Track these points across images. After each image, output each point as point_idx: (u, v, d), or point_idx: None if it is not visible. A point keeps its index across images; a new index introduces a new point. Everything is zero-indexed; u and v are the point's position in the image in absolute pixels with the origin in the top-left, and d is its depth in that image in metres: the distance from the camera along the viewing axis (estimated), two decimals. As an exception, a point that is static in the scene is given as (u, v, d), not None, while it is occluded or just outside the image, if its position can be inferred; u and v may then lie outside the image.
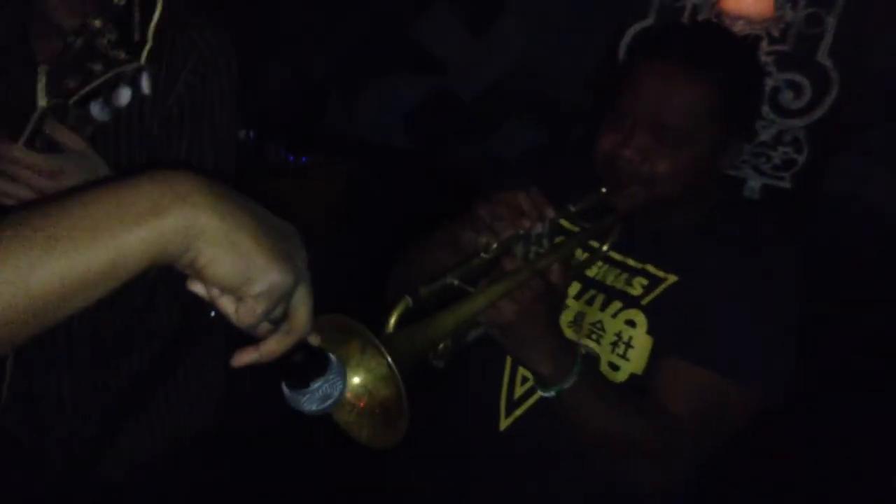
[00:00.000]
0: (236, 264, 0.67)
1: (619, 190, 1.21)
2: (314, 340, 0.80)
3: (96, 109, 0.99)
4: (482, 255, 1.06)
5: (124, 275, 0.63)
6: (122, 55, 0.94)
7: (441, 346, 1.05)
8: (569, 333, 1.25)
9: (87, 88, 0.98)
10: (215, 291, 0.71)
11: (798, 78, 2.79)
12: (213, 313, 0.74)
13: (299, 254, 0.73)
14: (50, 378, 1.40)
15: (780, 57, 2.80)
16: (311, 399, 0.82)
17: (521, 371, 1.30)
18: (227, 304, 0.72)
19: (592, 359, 1.24)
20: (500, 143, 3.36)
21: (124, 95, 0.97)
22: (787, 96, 2.81)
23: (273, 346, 0.76)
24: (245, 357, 0.77)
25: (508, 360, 1.31)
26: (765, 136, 2.86)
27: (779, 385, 1.20)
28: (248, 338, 0.77)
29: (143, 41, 0.93)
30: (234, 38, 1.48)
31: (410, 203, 2.62)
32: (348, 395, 0.89)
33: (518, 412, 1.31)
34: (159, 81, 1.22)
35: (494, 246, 1.06)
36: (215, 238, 0.66)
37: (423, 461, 1.46)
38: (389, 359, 0.85)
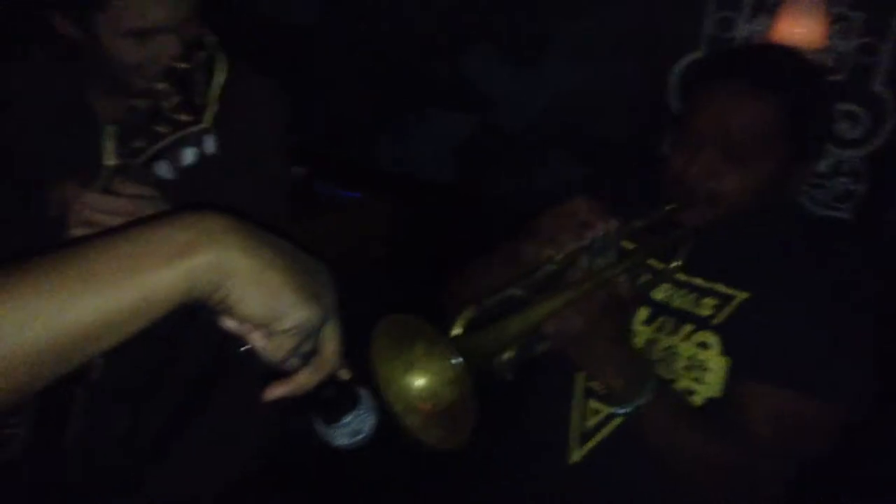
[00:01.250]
0: (266, 302, 0.69)
1: (687, 207, 1.22)
2: (344, 375, 0.82)
3: (162, 169, 1.04)
4: (545, 267, 1.06)
5: (155, 313, 0.65)
6: (186, 118, 0.97)
7: (506, 355, 1.05)
8: None
9: (154, 149, 1.01)
10: (246, 327, 0.73)
11: (853, 108, 2.76)
12: (243, 348, 0.76)
13: (328, 291, 0.75)
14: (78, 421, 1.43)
15: (835, 87, 2.78)
16: (343, 433, 0.84)
17: (593, 403, 1.29)
18: (257, 340, 0.74)
19: (668, 382, 1.23)
20: (546, 176, 3.36)
21: (189, 156, 1.01)
22: (842, 126, 2.79)
23: (303, 380, 0.79)
24: (276, 391, 0.79)
25: (578, 391, 1.31)
26: (822, 166, 2.81)
27: (861, 399, 1.17)
28: (280, 373, 0.79)
29: (206, 104, 0.96)
30: (285, 76, 1.52)
31: (458, 237, 2.63)
32: (413, 398, 0.90)
33: (591, 444, 1.29)
34: (221, 146, 1.26)
35: (558, 258, 1.06)
36: (245, 277, 0.67)
37: (487, 496, 1.46)
38: (459, 357, 0.85)
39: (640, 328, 1.29)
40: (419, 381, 0.91)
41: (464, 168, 3.58)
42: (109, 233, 0.65)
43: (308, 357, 0.77)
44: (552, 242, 1.07)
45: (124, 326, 0.64)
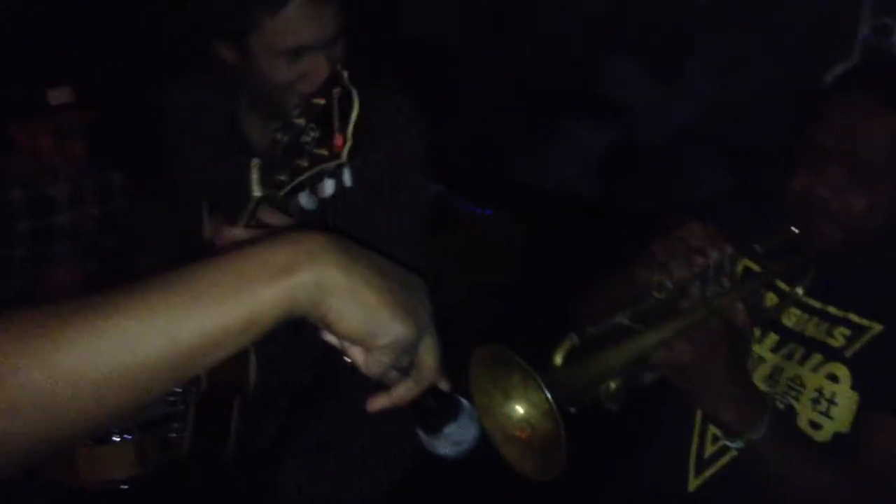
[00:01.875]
0: (362, 319, 0.73)
1: (813, 229, 1.17)
2: (445, 386, 0.85)
3: (304, 200, 1.11)
4: (656, 294, 1.05)
5: (260, 329, 0.70)
6: (325, 152, 1.04)
7: (611, 386, 1.05)
8: (764, 389, 1.21)
9: (295, 182, 1.09)
10: (346, 342, 0.78)
11: None
12: (347, 360, 0.81)
13: (423, 307, 0.79)
14: None
15: None
16: (445, 443, 0.87)
17: (712, 429, 1.27)
18: (357, 355, 0.79)
19: (790, 414, 1.19)
20: (686, 189, 3.29)
21: (328, 187, 1.08)
22: None
23: (402, 393, 0.83)
24: (377, 402, 0.84)
25: (698, 416, 1.29)
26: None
27: None
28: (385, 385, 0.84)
29: (344, 140, 1.03)
30: (423, 93, 1.57)
31: (596, 253, 2.61)
32: (510, 426, 0.92)
33: (708, 472, 1.28)
34: (361, 169, 1.33)
35: (669, 285, 1.05)
36: (343, 294, 0.71)
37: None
38: (547, 393, 0.87)
39: (767, 355, 1.25)
40: (517, 411, 0.93)
41: (602, 182, 3.56)
42: (218, 254, 0.71)
43: (407, 370, 0.81)
44: (663, 269, 1.06)
45: (231, 342, 0.69)
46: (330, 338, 0.80)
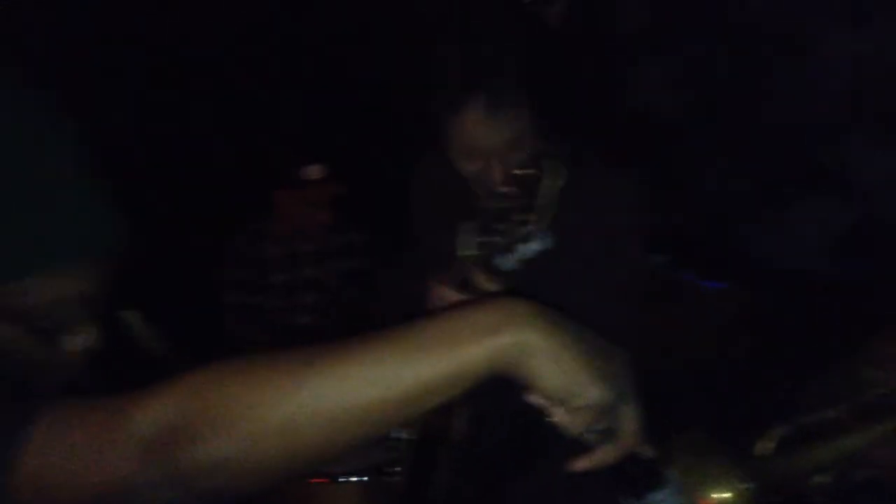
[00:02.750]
0: (561, 380, 0.79)
1: None
2: (647, 453, 0.88)
3: (507, 262, 1.21)
4: (877, 391, 1.02)
5: (466, 382, 0.78)
6: (528, 218, 1.14)
7: (821, 479, 1.02)
8: None
9: (500, 245, 1.19)
10: (546, 402, 0.84)
11: None
12: (548, 419, 0.85)
13: (623, 375, 0.84)
14: None
15: None
16: None
17: None
18: (557, 414, 0.84)
19: None
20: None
21: (530, 250, 1.17)
22: None
23: (602, 455, 0.87)
24: (579, 464, 0.88)
25: None
26: None
27: None
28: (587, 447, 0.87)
29: (545, 207, 1.12)
30: (653, 161, 1.61)
31: (832, 335, 2.48)
32: None
33: None
34: (564, 233, 1.41)
35: (892, 383, 1.02)
36: (543, 356, 0.78)
37: None
38: (751, 482, 0.86)
39: None
40: (725, 496, 0.93)
41: (842, 261, 3.36)
42: (433, 313, 0.82)
43: (607, 434, 0.85)
44: (887, 366, 1.03)
45: (441, 391, 0.78)
46: (533, 398, 0.86)
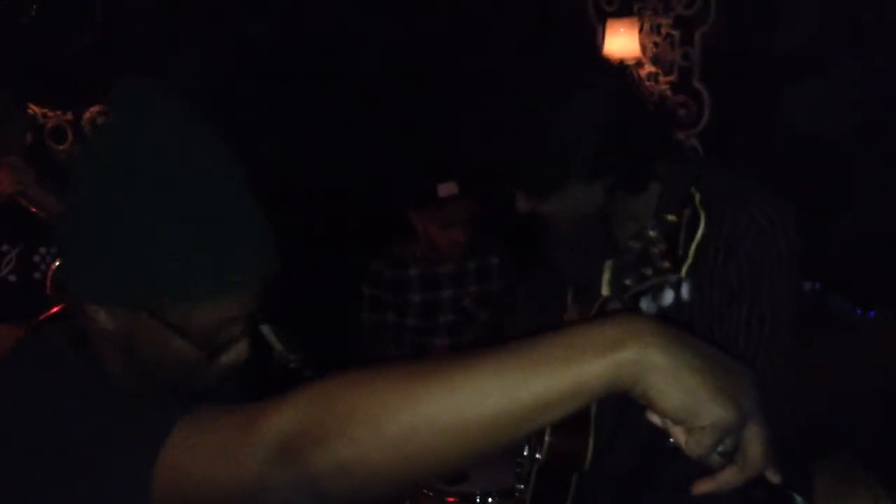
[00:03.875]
0: (682, 398, 0.78)
1: None
2: (773, 478, 0.85)
3: (645, 305, 1.22)
4: None
5: (585, 397, 0.79)
6: (667, 265, 1.15)
7: None
8: None
9: (639, 287, 1.22)
10: (668, 422, 0.83)
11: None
12: (670, 441, 0.84)
13: (747, 395, 0.81)
14: None
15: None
16: None
17: None
18: (679, 435, 0.83)
19: None
20: None
21: (667, 297, 1.18)
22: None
23: (727, 478, 0.85)
24: (702, 486, 0.87)
25: None
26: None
27: None
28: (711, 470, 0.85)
29: (685, 257, 1.13)
30: (807, 193, 1.58)
31: None
32: None
33: None
34: (703, 284, 1.40)
35: None
36: (664, 373, 0.77)
37: None
38: None
39: None
40: None
41: None
42: (561, 329, 0.82)
43: (731, 455, 0.83)
44: None
45: (559, 407, 0.79)
46: (654, 418, 0.84)
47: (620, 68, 1.65)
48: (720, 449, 0.82)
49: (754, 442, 0.83)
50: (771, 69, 3.73)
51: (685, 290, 1.16)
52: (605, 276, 1.30)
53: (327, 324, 3.36)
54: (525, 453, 1.78)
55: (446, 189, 2.99)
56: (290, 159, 3.95)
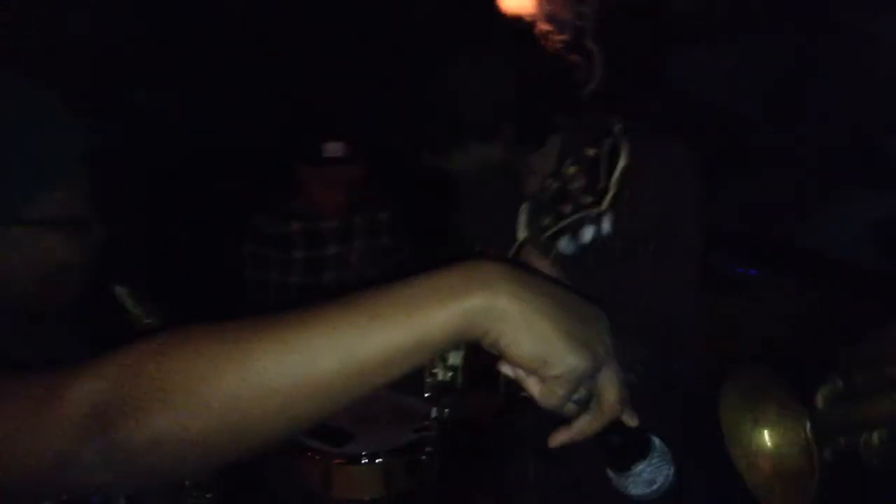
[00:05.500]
0: (534, 346, 0.76)
1: None
2: (630, 421, 0.86)
3: (564, 244, 1.21)
4: None
5: (432, 348, 0.76)
6: (588, 200, 1.15)
7: (874, 437, 1.01)
8: None
9: (558, 226, 1.21)
10: (521, 373, 0.82)
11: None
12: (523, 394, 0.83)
13: (602, 339, 0.81)
14: None
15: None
16: (636, 483, 0.87)
17: None
18: (532, 386, 0.82)
19: None
20: None
21: (587, 234, 1.18)
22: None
23: (582, 427, 0.85)
24: (559, 438, 0.87)
25: None
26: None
27: None
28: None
29: (607, 189, 1.13)
30: (707, 154, 1.63)
31: (870, 322, 2.50)
32: (757, 456, 0.93)
33: None
34: (626, 217, 1.42)
35: None
36: (514, 321, 0.75)
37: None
38: (810, 425, 0.86)
39: None
40: (766, 441, 0.94)
41: (883, 251, 3.37)
42: (402, 279, 0.77)
43: (586, 403, 0.83)
44: None
45: (403, 361, 0.75)
46: (506, 369, 0.83)
47: (516, 24, 1.65)
48: (575, 398, 0.81)
49: (609, 387, 0.83)
50: (665, 32, 3.84)
51: (606, 224, 1.15)
52: (522, 219, 1.29)
53: (208, 285, 3.24)
54: (433, 415, 1.78)
55: (333, 149, 2.96)
56: (174, 110, 3.77)
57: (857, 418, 0.97)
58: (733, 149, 3.78)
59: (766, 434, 0.96)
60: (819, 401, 0.96)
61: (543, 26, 1.78)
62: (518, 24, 1.63)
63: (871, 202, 3.41)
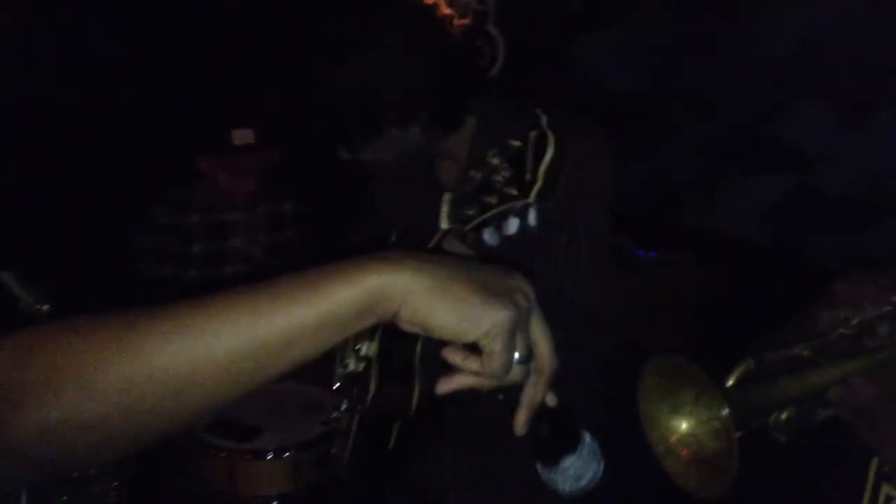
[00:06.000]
0: (452, 310, 0.76)
1: None
2: (551, 401, 0.86)
3: (487, 235, 1.20)
4: (840, 331, 1.06)
5: (336, 328, 0.75)
6: (514, 191, 1.14)
7: (782, 416, 1.04)
8: None
9: (482, 218, 1.20)
10: (459, 356, 0.82)
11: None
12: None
13: (520, 288, 0.81)
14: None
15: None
16: (564, 478, 0.87)
17: (886, 489, 1.24)
18: (474, 364, 0.82)
19: None
20: (875, 243, 3.20)
21: (512, 226, 1.17)
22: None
23: (533, 392, 0.85)
24: (519, 419, 0.85)
25: (872, 469, 1.25)
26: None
27: None
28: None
29: (534, 180, 1.12)
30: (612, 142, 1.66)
31: (770, 302, 2.60)
32: (675, 443, 0.95)
33: None
34: (546, 211, 1.43)
35: (855, 322, 1.05)
36: (425, 292, 0.76)
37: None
38: (726, 408, 0.89)
39: None
40: (683, 426, 0.96)
41: (779, 231, 3.52)
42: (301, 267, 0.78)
43: (527, 360, 0.82)
44: (849, 306, 1.07)
45: (306, 340, 0.75)
46: (449, 356, 0.84)
47: (422, 9, 1.65)
48: (517, 357, 0.80)
49: (540, 338, 0.83)
50: (566, 16, 3.89)
51: (532, 217, 1.15)
52: (444, 210, 1.28)
53: (100, 277, 3.11)
54: (344, 407, 1.75)
55: (241, 136, 2.87)
56: (62, 97, 3.59)
57: (771, 400, 1.00)
58: (633, 133, 3.86)
59: (683, 421, 0.97)
60: (731, 380, 0.98)
61: (445, 10, 1.79)
62: (420, 9, 1.63)
63: (768, 182, 3.54)
